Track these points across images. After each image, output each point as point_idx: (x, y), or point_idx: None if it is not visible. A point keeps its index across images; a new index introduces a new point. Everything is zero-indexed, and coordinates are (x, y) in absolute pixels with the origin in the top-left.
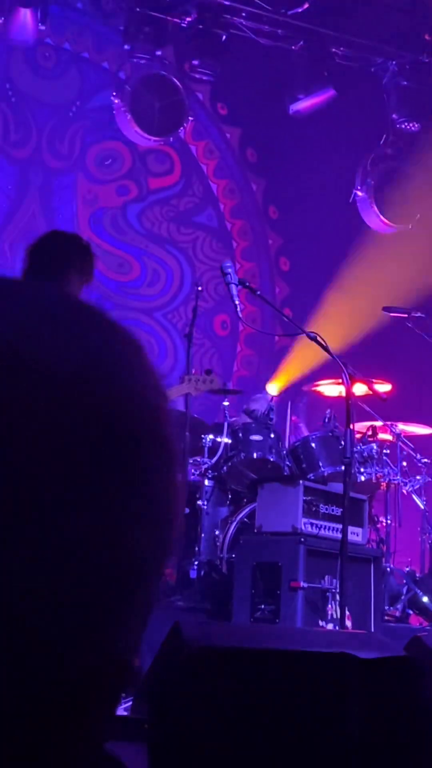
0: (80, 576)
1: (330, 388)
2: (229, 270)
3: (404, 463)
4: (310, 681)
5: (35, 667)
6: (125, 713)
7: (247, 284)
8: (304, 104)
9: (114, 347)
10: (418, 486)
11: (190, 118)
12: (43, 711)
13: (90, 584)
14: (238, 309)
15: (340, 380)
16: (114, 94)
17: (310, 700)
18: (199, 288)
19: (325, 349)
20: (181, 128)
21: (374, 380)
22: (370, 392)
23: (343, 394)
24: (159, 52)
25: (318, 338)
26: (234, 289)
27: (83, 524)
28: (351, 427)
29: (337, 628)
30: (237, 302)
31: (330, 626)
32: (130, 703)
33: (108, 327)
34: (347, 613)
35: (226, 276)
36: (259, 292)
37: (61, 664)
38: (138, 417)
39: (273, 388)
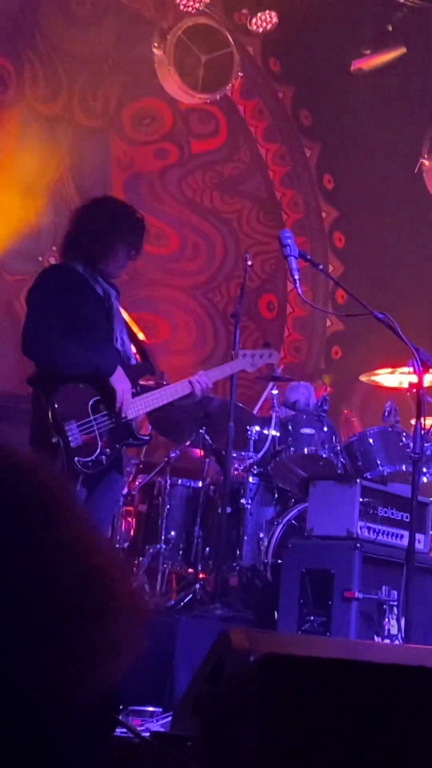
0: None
1: (389, 378)
2: (289, 241)
3: None
4: (403, 695)
5: None
6: (162, 729)
7: (308, 257)
8: (368, 61)
9: None
10: None
11: (239, 74)
12: None
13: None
14: (297, 284)
15: (404, 369)
16: (155, 45)
17: (404, 715)
18: (249, 262)
19: (395, 332)
20: (229, 85)
21: None
22: None
23: (404, 384)
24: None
25: (388, 319)
26: (294, 262)
27: None
28: (422, 420)
29: (397, 643)
30: (296, 276)
31: (387, 642)
32: (169, 718)
33: None
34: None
35: (285, 247)
36: (321, 267)
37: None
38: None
39: (325, 378)
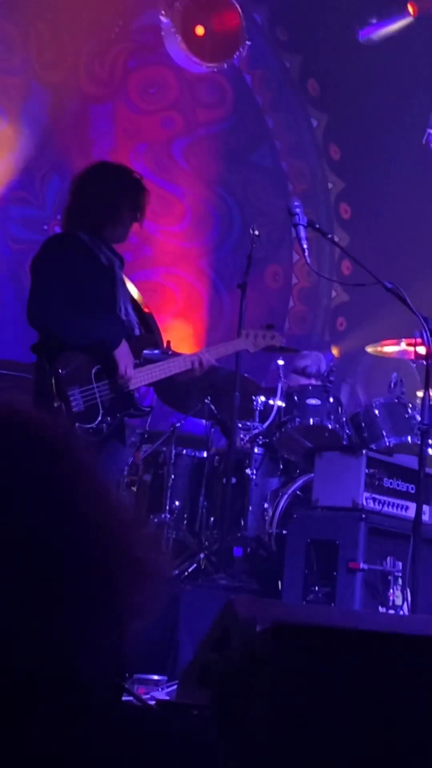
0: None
1: (395, 349)
2: (298, 210)
3: None
4: (411, 664)
5: None
6: (167, 698)
7: (317, 226)
8: (376, 30)
9: None
10: None
11: (247, 43)
12: None
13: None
14: (306, 254)
15: (411, 340)
16: (162, 12)
17: (412, 683)
18: (256, 233)
19: (405, 302)
20: (236, 54)
21: None
22: None
23: (410, 356)
24: None
25: (397, 289)
26: (302, 231)
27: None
28: (430, 391)
29: (401, 613)
30: (305, 246)
31: (391, 612)
32: (174, 687)
33: None
34: (410, 598)
35: (294, 216)
36: (330, 236)
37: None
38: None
39: (334, 349)
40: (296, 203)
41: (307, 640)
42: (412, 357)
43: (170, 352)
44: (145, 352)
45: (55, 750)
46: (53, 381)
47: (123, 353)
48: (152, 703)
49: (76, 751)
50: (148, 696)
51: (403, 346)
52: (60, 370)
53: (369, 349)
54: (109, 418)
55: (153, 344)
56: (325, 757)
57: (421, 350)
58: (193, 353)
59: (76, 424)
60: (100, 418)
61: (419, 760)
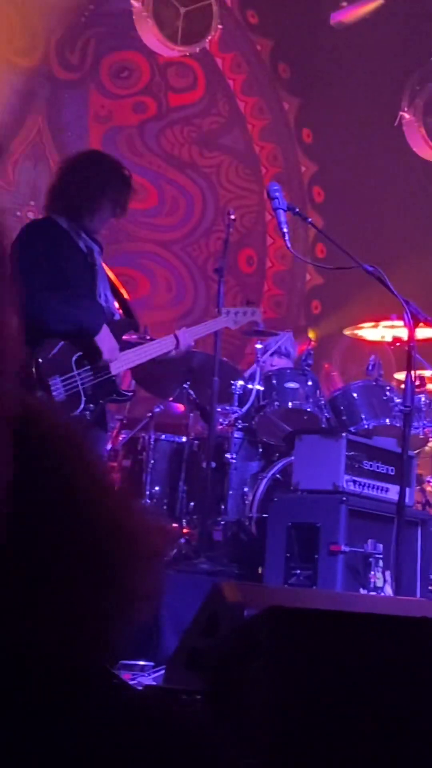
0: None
1: (372, 332)
2: (278, 194)
3: None
4: (399, 645)
5: None
6: (154, 683)
7: (297, 210)
8: (347, 13)
9: None
10: None
11: (219, 27)
12: None
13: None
14: (287, 238)
15: (386, 323)
16: None
17: (398, 664)
18: (232, 216)
19: (385, 284)
20: (208, 38)
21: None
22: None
23: (387, 339)
24: None
25: (377, 272)
26: (282, 215)
27: None
28: (412, 374)
29: (383, 595)
30: (285, 230)
31: (373, 594)
32: (160, 672)
33: None
34: (390, 580)
35: (273, 200)
36: (310, 220)
37: None
38: None
39: (311, 333)
40: (275, 187)
41: (302, 624)
42: (389, 339)
43: (148, 338)
44: (124, 337)
45: (44, 734)
46: (34, 370)
47: (105, 338)
48: (139, 688)
49: (68, 736)
50: (134, 681)
51: (381, 328)
52: (39, 359)
53: (346, 332)
54: (91, 406)
55: (133, 328)
56: (323, 739)
57: (399, 333)
58: (176, 332)
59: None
60: (82, 406)
61: (416, 742)
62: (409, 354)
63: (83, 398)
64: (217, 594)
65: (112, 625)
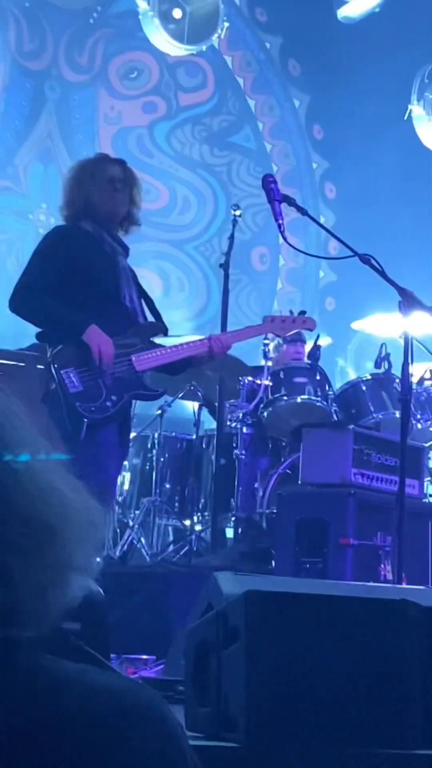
0: None
1: (382, 326)
2: (273, 185)
3: None
4: (373, 626)
5: None
6: (155, 676)
7: (294, 202)
8: (354, 8)
9: None
10: None
11: (226, 24)
12: None
13: None
14: (283, 229)
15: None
16: None
17: (373, 644)
18: (237, 212)
19: (381, 272)
20: (215, 36)
21: None
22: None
23: (398, 333)
24: None
25: (372, 261)
26: (277, 207)
27: None
28: (409, 363)
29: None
30: (280, 221)
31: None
32: (162, 666)
33: None
34: (403, 573)
35: (268, 192)
36: (307, 211)
37: None
38: None
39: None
40: (270, 178)
41: (278, 607)
42: (400, 333)
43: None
44: (153, 338)
45: None
46: (51, 365)
47: (92, 336)
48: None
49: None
50: (135, 675)
51: (389, 321)
52: (55, 353)
53: (355, 326)
54: (114, 397)
55: (161, 331)
56: (299, 718)
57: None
58: (209, 336)
59: (76, 404)
60: (104, 396)
61: (389, 719)
62: (405, 341)
63: (104, 389)
64: (213, 584)
65: (46, 595)
